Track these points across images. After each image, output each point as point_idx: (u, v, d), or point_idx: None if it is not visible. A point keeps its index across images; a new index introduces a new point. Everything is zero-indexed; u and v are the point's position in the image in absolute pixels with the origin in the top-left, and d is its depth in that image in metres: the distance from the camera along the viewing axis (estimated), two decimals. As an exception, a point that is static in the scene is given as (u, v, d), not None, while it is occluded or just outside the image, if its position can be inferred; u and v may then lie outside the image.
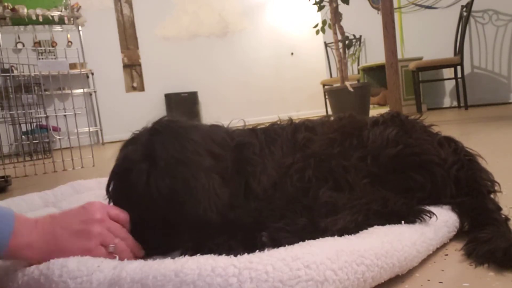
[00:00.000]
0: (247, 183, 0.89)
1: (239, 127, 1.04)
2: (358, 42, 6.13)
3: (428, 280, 0.68)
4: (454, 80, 5.00)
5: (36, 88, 3.78)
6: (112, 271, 0.63)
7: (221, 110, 7.24)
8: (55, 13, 6.17)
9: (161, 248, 0.80)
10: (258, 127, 1.03)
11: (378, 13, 4.57)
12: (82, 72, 6.25)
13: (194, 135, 0.87)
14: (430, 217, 0.79)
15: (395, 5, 5.17)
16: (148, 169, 0.79)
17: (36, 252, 0.68)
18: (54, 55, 5.96)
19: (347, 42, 3.90)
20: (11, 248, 0.66)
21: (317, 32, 4.11)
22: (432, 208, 0.82)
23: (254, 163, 0.92)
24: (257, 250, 0.66)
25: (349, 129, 0.96)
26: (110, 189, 0.85)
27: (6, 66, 4.18)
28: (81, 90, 5.01)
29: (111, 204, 0.86)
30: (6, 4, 5.94)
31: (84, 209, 0.74)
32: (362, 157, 0.89)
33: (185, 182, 0.79)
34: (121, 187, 0.84)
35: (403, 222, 0.78)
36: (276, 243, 0.71)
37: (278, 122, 1.06)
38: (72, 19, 6.37)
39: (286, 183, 0.89)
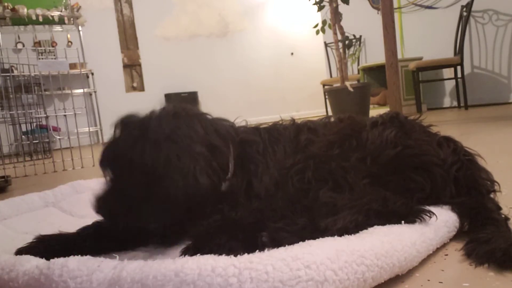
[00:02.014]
0: (249, 181, 0.90)
1: (242, 125, 1.04)
2: (358, 42, 6.13)
3: (428, 280, 0.68)
4: (454, 80, 5.00)
5: (36, 88, 3.78)
6: (112, 271, 0.63)
7: (221, 110, 7.13)
8: (55, 13, 6.17)
9: (132, 220, 0.82)
10: (261, 126, 1.03)
11: (378, 13, 4.57)
12: (82, 72, 6.24)
13: (195, 122, 0.88)
14: (430, 217, 0.79)
15: (395, 5, 5.17)
16: (137, 136, 0.83)
17: None
18: (54, 55, 5.96)
19: (347, 42, 3.89)
20: None
21: (317, 32, 4.11)
22: (432, 208, 0.82)
23: (257, 161, 0.92)
24: (257, 250, 0.66)
25: (348, 130, 0.96)
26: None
27: (6, 66, 4.18)
28: (81, 90, 5.00)
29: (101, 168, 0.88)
30: (6, 4, 5.94)
31: None
32: (361, 158, 0.90)
33: (167, 158, 0.81)
34: (111, 148, 0.87)
35: (403, 222, 0.78)
36: (276, 243, 0.71)
37: (281, 122, 1.06)
38: (72, 19, 6.36)
39: (287, 183, 0.89)
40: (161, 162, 0.80)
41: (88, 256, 0.67)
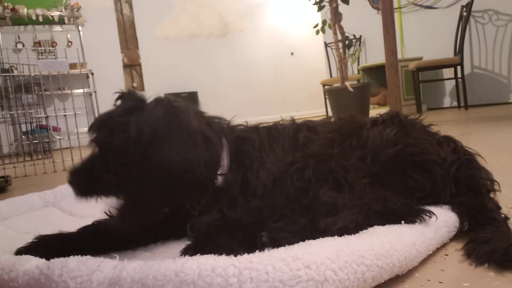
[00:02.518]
0: (245, 176, 0.90)
1: (242, 124, 1.04)
2: (358, 42, 6.13)
3: (428, 280, 0.68)
4: (454, 80, 5.00)
5: (36, 88, 3.78)
6: (112, 270, 0.63)
7: (221, 110, 7.13)
8: (55, 13, 6.17)
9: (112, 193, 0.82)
10: (261, 125, 1.03)
11: (378, 13, 4.57)
12: (82, 72, 6.24)
13: (190, 112, 0.88)
14: (430, 217, 0.79)
15: (395, 5, 5.17)
16: (134, 106, 0.83)
17: None
18: (54, 55, 5.96)
19: (347, 42, 3.89)
20: None
21: (317, 32, 4.11)
22: (432, 208, 0.82)
23: (252, 157, 0.92)
24: (257, 250, 0.66)
25: (348, 129, 0.96)
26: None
27: (6, 66, 4.17)
28: (81, 90, 5.01)
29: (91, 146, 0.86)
30: (6, 4, 5.93)
31: None
32: (361, 157, 0.89)
33: (164, 124, 0.80)
34: (105, 115, 0.86)
35: (403, 222, 0.78)
36: (276, 243, 0.71)
37: (281, 122, 1.06)
38: (72, 19, 6.36)
39: (286, 181, 0.89)
40: (159, 131, 0.79)
41: (88, 256, 0.67)
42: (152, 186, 0.80)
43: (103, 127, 0.84)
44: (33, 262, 0.70)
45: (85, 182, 0.83)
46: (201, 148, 0.83)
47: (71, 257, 0.66)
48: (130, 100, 0.86)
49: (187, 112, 0.86)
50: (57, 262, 0.65)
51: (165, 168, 0.79)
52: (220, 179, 0.90)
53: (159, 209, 0.86)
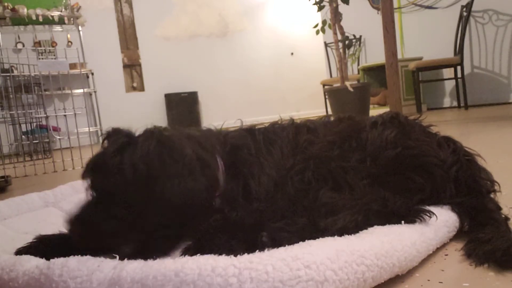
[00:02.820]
0: (246, 185, 0.89)
1: (237, 127, 1.03)
2: (358, 42, 6.13)
3: (428, 280, 0.68)
4: (454, 80, 5.00)
5: (36, 88, 3.78)
6: (112, 270, 0.63)
7: (221, 110, 7.24)
8: (55, 13, 6.17)
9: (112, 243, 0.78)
10: (257, 127, 1.02)
11: (378, 13, 4.57)
12: (82, 72, 6.24)
13: (182, 138, 0.86)
14: (430, 217, 0.79)
15: (395, 5, 5.17)
16: (125, 142, 0.80)
17: None
18: (54, 55, 5.96)
19: (347, 42, 3.89)
20: None
21: (317, 32, 4.11)
22: (432, 208, 0.82)
23: (250, 164, 0.91)
24: (257, 250, 0.66)
25: (348, 131, 0.96)
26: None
27: (6, 66, 4.17)
28: (81, 90, 5.00)
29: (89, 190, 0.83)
30: (6, 4, 5.93)
31: None
32: (361, 159, 0.89)
33: (161, 159, 0.78)
34: (96, 157, 0.84)
35: (403, 222, 0.78)
36: (276, 243, 0.71)
37: (279, 122, 1.05)
38: (72, 19, 6.36)
39: (287, 184, 0.89)
40: (154, 166, 0.77)
41: (88, 256, 0.67)
42: (155, 223, 0.78)
43: (97, 171, 0.81)
44: (33, 262, 0.70)
45: (86, 233, 0.79)
46: (199, 176, 0.81)
47: (71, 257, 0.66)
48: (119, 137, 0.83)
49: (179, 140, 0.84)
50: (57, 262, 0.65)
51: (166, 203, 0.77)
52: (218, 200, 0.88)
53: (173, 241, 0.82)
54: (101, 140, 0.87)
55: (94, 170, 0.82)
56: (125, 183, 0.77)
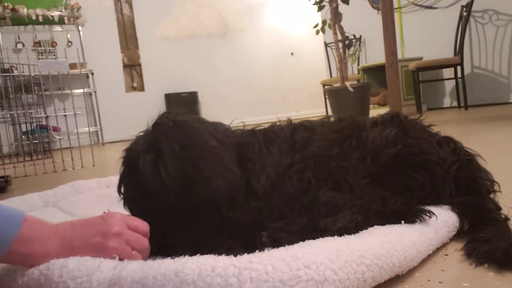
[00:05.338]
0: (248, 180, 0.89)
1: (239, 127, 1.04)
2: (358, 42, 6.13)
3: (428, 280, 0.68)
4: (454, 80, 5.00)
5: (36, 88, 3.78)
6: (112, 271, 0.63)
7: (221, 110, 7.23)
8: (55, 13, 6.17)
9: (179, 245, 0.79)
10: (258, 128, 1.02)
11: (378, 13, 4.57)
12: (82, 72, 6.25)
13: (195, 123, 0.87)
14: (430, 217, 0.79)
15: (395, 5, 5.17)
16: (154, 158, 0.80)
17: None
18: (54, 55, 5.96)
19: (347, 42, 3.89)
20: (15, 252, 0.65)
21: (317, 32, 4.11)
22: (432, 208, 0.82)
23: (254, 161, 0.92)
24: (257, 250, 0.66)
25: (348, 129, 0.96)
26: (121, 190, 0.85)
27: (6, 66, 4.17)
28: (81, 90, 5.01)
29: (127, 209, 0.85)
30: (6, 4, 5.94)
31: (104, 220, 0.72)
32: (361, 157, 0.89)
33: (193, 163, 0.80)
34: (131, 184, 0.84)
35: (403, 222, 0.78)
36: (276, 243, 0.71)
37: (278, 123, 1.06)
38: (72, 19, 6.36)
39: (285, 182, 0.89)
40: (189, 170, 0.79)
41: (87, 256, 0.67)
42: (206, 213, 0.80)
43: (130, 191, 0.83)
44: None
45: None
46: (234, 168, 0.83)
47: (71, 257, 0.66)
48: (139, 145, 0.83)
49: (198, 133, 0.85)
50: (57, 262, 0.65)
51: (212, 198, 0.79)
52: None
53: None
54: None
55: (129, 191, 0.84)
56: (167, 193, 0.79)
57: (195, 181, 0.79)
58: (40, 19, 6.07)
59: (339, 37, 3.81)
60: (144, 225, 0.76)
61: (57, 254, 0.67)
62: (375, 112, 4.39)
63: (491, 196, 0.91)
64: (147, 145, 0.82)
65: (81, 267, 0.64)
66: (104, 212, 0.76)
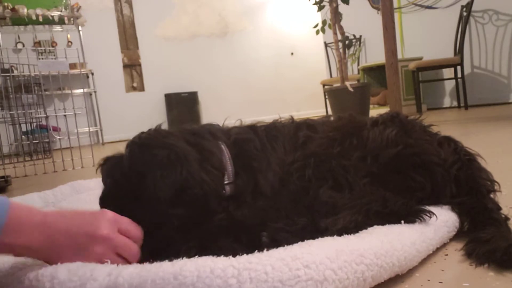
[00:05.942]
0: (255, 179, 0.88)
1: (235, 125, 1.03)
2: (358, 42, 6.13)
3: (428, 280, 0.68)
4: (454, 80, 4.99)
5: (36, 88, 3.78)
6: (108, 278, 0.59)
7: (221, 110, 7.23)
8: (55, 13, 6.17)
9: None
10: (258, 124, 1.02)
11: (378, 13, 4.56)
12: (82, 72, 6.25)
13: (175, 134, 0.86)
14: (430, 217, 0.79)
15: (395, 5, 5.16)
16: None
17: (34, 254, 0.66)
18: (54, 55, 5.95)
19: (347, 42, 3.89)
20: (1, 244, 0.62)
21: (317, 32, 4.11)
22: (432, 208, 0.82)
23: (258, 158, 0.90)
24: (257, 251, 0.66)
25: (349, 128, 0.96)
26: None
27: (6, 66, 4.17)
28: (81, 90, 5.00)
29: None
30: (6, 4, 5.93)
31: (95, 219, 0.68)
32: (362, 157, 0.89)
33: (142, 157, 0.79)
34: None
35: (402, 222, 0.78)
36: (276, 243, 0.71)
37: (279, 120, 1.05)
38: (72, 19, 6.36)
39: (289, 180, 0.89)
40: (138, 164, 0.78)
41: (78, 263, 0.64)
42: (152, 222, 0.77)
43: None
44: (24, 271, 0.66)
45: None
46: (194, 164, 0.79)
47: (60, 266, 0.63)
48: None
49: (161, 136, 0.83)
50: (46, 273, 0.61)
51: (156, 199, 0.76)
52: (228, 188, 0.86)
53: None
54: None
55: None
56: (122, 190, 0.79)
57: (142, 176, 0.77)
58: (40, 19, 6.06)
59: (339, 37, 3.81)
60: (136, 230, 0.73)
61: (39, 247, 0.64)
62: (375, 112, 4.39)
63: (491, 196, 0.91)
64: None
65: (73, 277, 0.60)
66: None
